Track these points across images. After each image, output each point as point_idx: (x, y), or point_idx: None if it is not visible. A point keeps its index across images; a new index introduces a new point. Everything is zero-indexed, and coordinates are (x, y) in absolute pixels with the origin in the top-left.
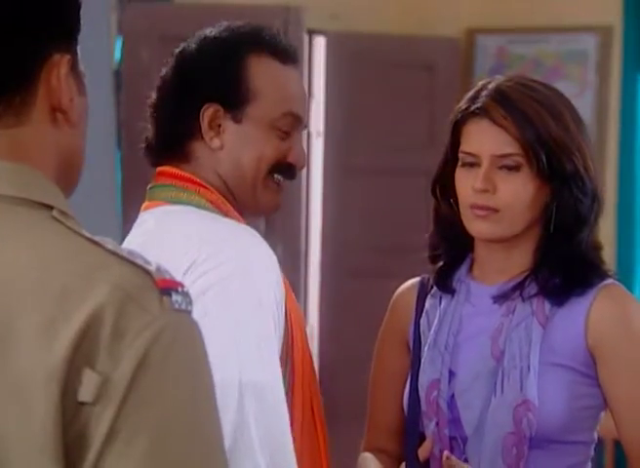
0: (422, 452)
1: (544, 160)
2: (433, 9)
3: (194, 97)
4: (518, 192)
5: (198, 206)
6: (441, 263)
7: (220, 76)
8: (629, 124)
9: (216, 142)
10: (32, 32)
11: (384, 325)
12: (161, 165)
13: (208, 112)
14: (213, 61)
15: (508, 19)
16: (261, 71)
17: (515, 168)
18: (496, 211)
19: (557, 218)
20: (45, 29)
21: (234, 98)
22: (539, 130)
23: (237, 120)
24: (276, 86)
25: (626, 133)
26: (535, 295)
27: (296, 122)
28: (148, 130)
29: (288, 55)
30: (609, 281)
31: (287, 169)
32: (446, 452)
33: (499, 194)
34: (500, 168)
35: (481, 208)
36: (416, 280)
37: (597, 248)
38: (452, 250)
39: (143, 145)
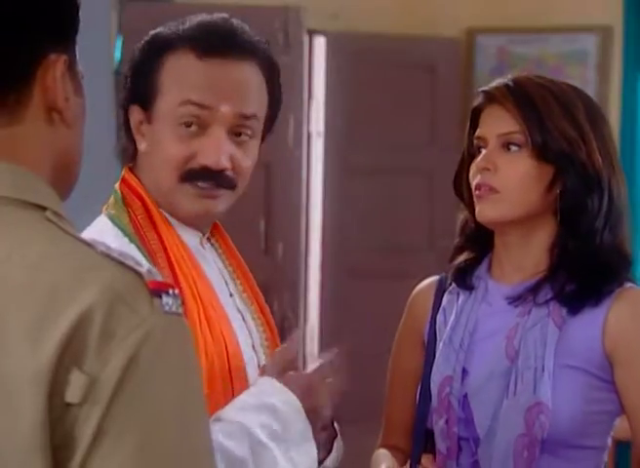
0: (426, 461)
1: (540, 139)
2: (433, 9)
3: (125, 99)
4: (518, 172)
5: (113, 221)
6: (460, 260)
7: (141, 77)
8: (630, 124)
9: (143, 146)
10: (28, 32)
11: (402, 323)
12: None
13: (133, 115)
14: (140, 63)
15: (509, 20)
16: (171, 67)
17: (518, 147)
18: (496, 191)
19: (562, 207)
20: (41, 29)
21: (146, 99)
22: (540, 112)
23: (150, 121)
24: (178, 78)
25: (627, 132)
26: (550, 300)
27: (200, 113)
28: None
29: (212, 48)
30: (628, 285)
31: (203, 172)
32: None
33: (499, 173)
34: (503, 147)
35: (483, 187)
36: (434, 278)
37: (623, 255)
38: (473, 248)
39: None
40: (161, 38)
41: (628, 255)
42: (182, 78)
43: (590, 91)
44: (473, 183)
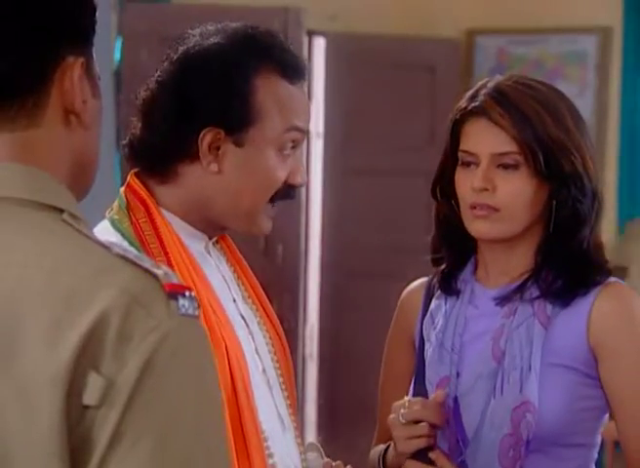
0: (437, 397)
1: (542, 159)
2: (433, 10)
3: (193, 118)
4: (517, 191)
5: (114, 225)
6: (444, 266)
7: (225, 100)
8: (629, 125)
9: (213, 167)
10: (47, 35)
11: (393, 325)
12: (139, 172)
13: (207, 137)
14: (218, 83)
15: (508, 20)
16: (269, 94)
17: (514, 166)
18: (495, 210)
19: (557, 218)
20: (59, 32)
21: (237, 123)
22: (536, 129)
23: (239, 144)
24: (280, 103)
25: (626, 133)
26: (536, 298)
27: (299, 137)
28: (135, 126)
29: (297, 73)
30: (611, 279)
31: (288, 192)
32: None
33: (498, 193)
34: (499, 166)
35: (481, 207)
36: (423, 279)
37: (599, 247)
38: (455, 252)
39: (126, 142)
40: (243, 55)
41: (603, 247)
42: (284, 104)
43: (590, 92)
44: (469, 202)
